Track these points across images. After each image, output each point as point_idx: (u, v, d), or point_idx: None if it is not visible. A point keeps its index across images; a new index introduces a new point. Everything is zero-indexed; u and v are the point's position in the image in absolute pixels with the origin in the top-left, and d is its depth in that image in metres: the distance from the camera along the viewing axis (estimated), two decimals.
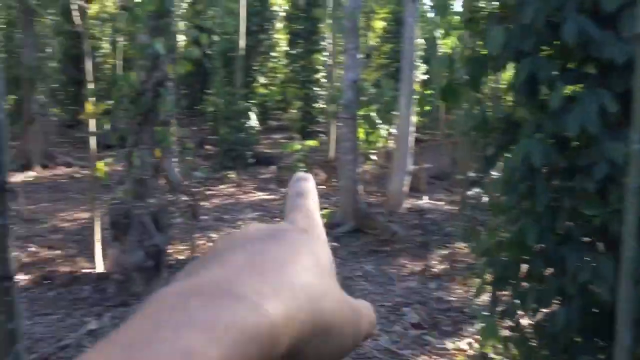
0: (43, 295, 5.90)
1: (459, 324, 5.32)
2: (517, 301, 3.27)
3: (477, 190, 11.12)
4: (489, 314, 3.36)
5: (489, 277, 3.43)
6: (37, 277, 6.36)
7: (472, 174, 11.13)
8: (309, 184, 0.44)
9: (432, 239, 8.17)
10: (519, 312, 3.31)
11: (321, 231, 0.39)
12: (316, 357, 0.32)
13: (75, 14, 7.44)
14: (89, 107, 6.27)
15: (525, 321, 3.46)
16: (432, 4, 19.98)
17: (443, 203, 10.75)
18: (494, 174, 3.48)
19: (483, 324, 3.43)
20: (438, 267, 7.07)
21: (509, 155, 3.23)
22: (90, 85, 7.04)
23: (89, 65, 7.14)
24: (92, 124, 6.87)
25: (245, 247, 0.32)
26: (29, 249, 7.31)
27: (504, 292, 3.43)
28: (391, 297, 6.03)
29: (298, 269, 0.32)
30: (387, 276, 6.74)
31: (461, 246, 7.84)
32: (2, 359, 2.76)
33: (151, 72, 6.57)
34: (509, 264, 3.32)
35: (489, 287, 3.49)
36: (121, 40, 20.60)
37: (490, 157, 3.35)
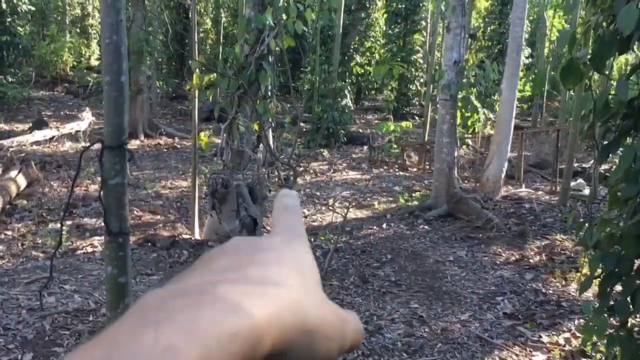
0: (145, 256, 6.22)
1: (556, 317, 5.09)
2: (628, 298, 3.08)
3: (580, 180, 10.58)
4: (597, 310, 3.18)
5: (598, 271, 3.24)
6: (140, 239, 6.71)
7: (576, 164, 10.58)
8: (294, 200, 0.44)
9: (529, 228, 7.85)
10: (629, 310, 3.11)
11: (305, 243, 0.39)
12: (305, 358, 0.32)
13: None
14: (195, 79, 6.46)
15: (631, 320, 3.25)
16: None
17: (542, 192, 10.30)
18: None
19: (587, 320, 3.26)
20: (535, 258, 6.79)
21: (629, 143, 3.02)
22: (196, 58, 7.26)
23: (195, 37, 7.37)
24: (196, 96, 7.10)
25: (230, 255, 0.34)
26: (133, 213, 7.72)
27: (612, 289, 3.23)
28: (484, 285, 5.87)
29: (282, 274, 0.32)
30: (481, 263, 6.55)
31: (560, 238, 7.49)
32: (113, 310, 2.92)
33: (255, 46, 6.69)
34: (622, 258, 3.12)
35: (595, 282, 3.30)
36: (223, 16, 21.17)
37: (608, 144, 3.15)
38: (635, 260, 3.13)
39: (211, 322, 0.27)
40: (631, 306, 3.10)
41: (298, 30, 6.15)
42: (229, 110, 6.83)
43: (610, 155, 3.21)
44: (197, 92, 6.74)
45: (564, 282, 5.98)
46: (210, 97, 7.70)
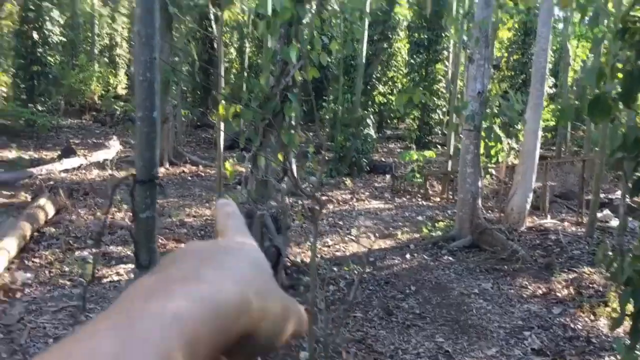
0: None
1: (586, 354, 4.97)
2: None
3: (607, 211, 10.41)
4: (629, 347, 3.11)
5: (630, 307, 3.18)
6: None
7: (602, 195, 10.43)
8: (234, 207, 0.49)
9: (556, 261, 7.72)
10: None
11: (254, 244, 0.43)
12: (265, 340, 0.36)
13: (211, 21, 7.86)
14: (221, 109, 6.56)
15: None
16: (573, 15, 19.04)
17: (568, 224, 10.15)
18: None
19: (618, 358, 3.18)
20: (562, 291, 6.67)
21: None
22: (222, 89, 7.39)
23: (221, 70, 7.51)
24: (221, 126, 7.20)
25: (198, 254, 0.37)
26: (158, 241, 7.77)
27: None
28: (511, 319, 5.77)
29: (244, 266, 0.37)
30: (507, 296, 6.46)
31: (588, 271, 7.35)
32: None
33: (280, 78, 6.78)
34: None
35: (627, 318, 3.24)
36: (247, 46, 21.49)
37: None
38: None
39: (207, 295, 0.32)
40: None
41: (323, 62, 6.23)
42: (254, 140, 6.90)
43: None
44: (222, 123, 6.83)
45: (592, 317, 5.86)
46: (238, 127, 7.80)
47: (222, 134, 7.33)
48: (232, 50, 24.58)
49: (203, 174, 14.09)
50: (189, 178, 13.60)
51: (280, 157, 6.83)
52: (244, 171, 7.67)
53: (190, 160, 15.35)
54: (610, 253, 6.26)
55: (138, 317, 0.29)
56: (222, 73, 7.48)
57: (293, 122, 7.10)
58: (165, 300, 0.30)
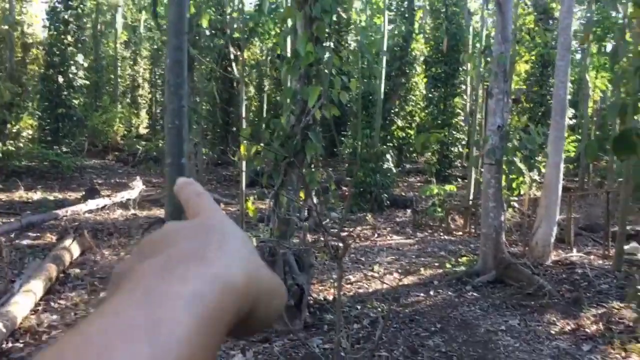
0: None
1: None
2: None
3: (634, 244, 10.23)
4: None
5: None
6: None
7: (628, 227, 10.27)
8: (198, 186, 0.48)
9: (584, 295, 7.57)
10: None
11: (233, 222, 0.43)
12: (263, 316, 0.38)
13: (230, 62, 8.03)
14: (243, 149, 6.65)
15: None
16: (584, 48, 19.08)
17: (594, 257, 9.99)
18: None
19: None
20: (591, 327, 6.53)
21: None
22: (243, 128, 7.51)
23: (242, 112, 7.65)
24: (243, 170, 7.30)
25: (194, 234, 0.37)
26: None
27: None
28: (539, 357, 5.65)
29: (240, 247, 0.38)
30: (534, 333, 6.33)
31: (617, 305, 7.20)
32: None
33: (300, 117, 6.88)
34: None
35: None
36: (266, 84, 21.81)
37: None
38: None
39: (219, 275, 0.33)
40: None
41: (343, 101, 6.32)
42: (276, 179, 6.96)
43: None
44: (244, 162, 6.92)
45: (624, 354, 5.71)
46: (259, 166, 7.88)
47: (244, 175, 7.41)
48: (251, 88, 24.98)
49: (224, 212, 14.15)
50: None
51: (301, 194, 6.88)
52: (264, 208, 7.71)
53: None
54: None
55: (160, 293, 0.30)
56: (243, 113, 7.59)
57: (314, 160, 7.17)
58: (183, 279, 0.31)
